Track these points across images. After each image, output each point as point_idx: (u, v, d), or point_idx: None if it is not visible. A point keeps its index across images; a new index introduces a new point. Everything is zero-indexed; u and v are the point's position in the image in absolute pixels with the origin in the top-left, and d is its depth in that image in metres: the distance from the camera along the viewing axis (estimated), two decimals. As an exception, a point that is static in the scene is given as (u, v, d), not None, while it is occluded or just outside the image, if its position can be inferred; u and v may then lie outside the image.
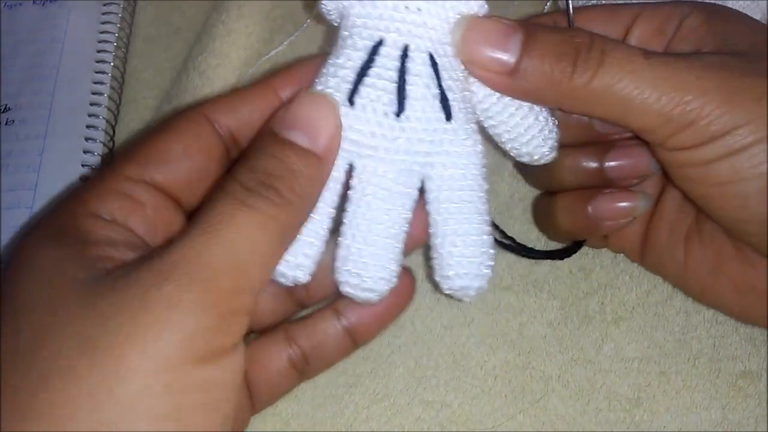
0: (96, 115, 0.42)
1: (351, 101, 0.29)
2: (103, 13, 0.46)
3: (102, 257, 0.26)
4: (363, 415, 0.35)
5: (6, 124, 0.42)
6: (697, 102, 0.29)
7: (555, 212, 0.36)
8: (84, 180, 0.40)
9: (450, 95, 0.30)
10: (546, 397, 0.35)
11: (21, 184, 0.40)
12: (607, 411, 0.34)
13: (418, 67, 0.29)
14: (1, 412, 0.23)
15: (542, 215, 0.38)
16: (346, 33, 0.30)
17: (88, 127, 0.42)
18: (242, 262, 0.25)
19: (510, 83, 0.30)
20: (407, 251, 0.31)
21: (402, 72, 0.29)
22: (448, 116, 0.30)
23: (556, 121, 0.33)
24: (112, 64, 0.44)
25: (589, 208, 0.34)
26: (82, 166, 0.40)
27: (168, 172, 0.30)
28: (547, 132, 0.32)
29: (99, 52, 0.44)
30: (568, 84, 0.29)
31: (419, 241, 0.32)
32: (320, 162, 0.28)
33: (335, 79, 0.30)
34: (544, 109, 0.32)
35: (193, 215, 0.27)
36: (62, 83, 0.43)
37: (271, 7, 0.46)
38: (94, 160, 0.41)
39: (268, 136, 0.28)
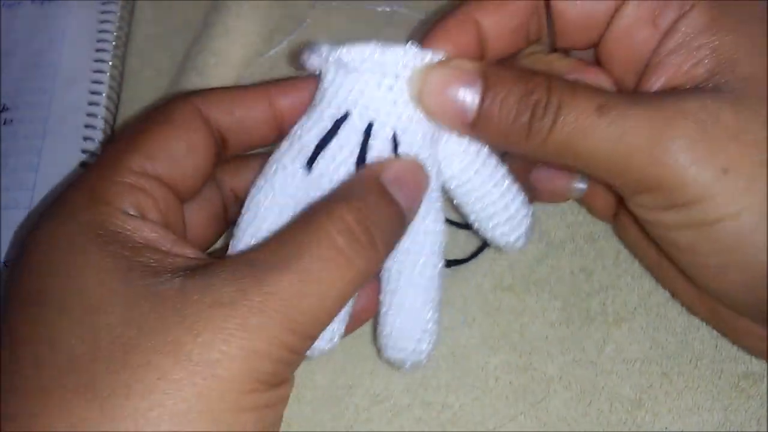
0: (94, 115, 0.42)
1: (309, 167, 0.30)
2: (102, 12, 0.45)
3: (154, 261, 0.26)
4: (363, 416, 0.35)
5: (5, 123, 0.42)
6: (655, 169, 0.27)
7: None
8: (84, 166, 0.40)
9: None
10: (547, 398, 0.35)
11: (19, 185, 0.40)
12: (609, 412, 0.34)
13: (380, 145, 0.29)
14: (90, 413, 0.24)
15: None
16: (318, 97, 0.30)
17: (86, 126, 0.42)
18: (325, 310, 0.26)
19: (471, 133, 0.30)
20: (356, 323, 0.32)
21: (363, 149, 0.29)
22: None
23: (529, 213, 0.32)
24: (110, 63, 0.44)
25: (531, 176, 0.35)
26: (81, 166, 0.40)
27: (173, 168, 0.30)
28: (515, 222, 0.32)
29: (98, 51, 0.44)
30: (525, 142, 0.28)
31: (370, 313, 0.33)
32: (405, 224, 0.29)
33: (298, 143, 0.30)
34: (519, 196, 0.31)
35: (283, 235, 0.27)
36: (61, 83, 0.43)
37: (271, 6, 0.46)
38: (92, 160, 0.40)
39: (374, 184, 0.28)
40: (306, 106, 0.31)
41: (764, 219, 0.27)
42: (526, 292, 0.37)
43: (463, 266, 0.38)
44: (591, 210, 0.37)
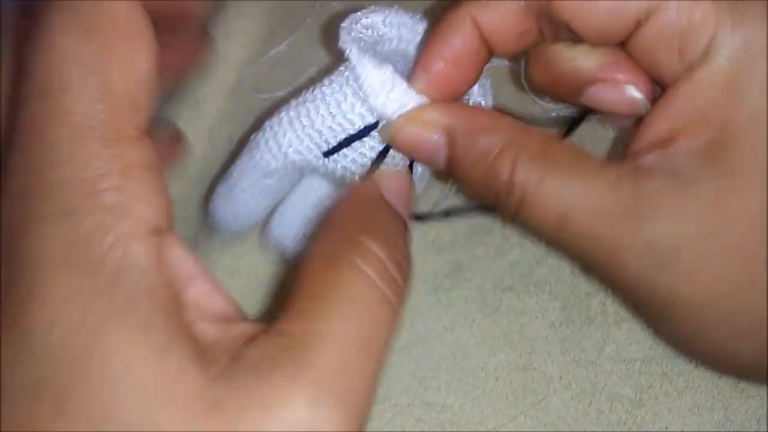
0: (95, 115, 0.42)
1: (326, 157, 0.30)
2: (103, 13, 0.45)
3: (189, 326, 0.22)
4: (364, 416, 0.35)
5: (5, 124, 0.42)
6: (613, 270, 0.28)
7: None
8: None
9: None
10: (548, 398, 0.35)
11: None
12: (609, 412, 0.34)
13: (396, 160, 0.30)
14: None
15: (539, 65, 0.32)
16: (345, 75, 0.29)
17: (87, 127, 0.41)
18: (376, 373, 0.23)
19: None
20: None
21: (383, 154, 0.30)
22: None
23: None
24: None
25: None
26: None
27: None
28: None
29: (98, 51, 0.44)
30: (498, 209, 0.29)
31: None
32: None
33: (323, 126, 0.29)
34: None
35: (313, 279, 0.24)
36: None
37: (271, 7, 0.46)
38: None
39: (383, 204, 0.27)
40: None
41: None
42: (526, 292, 0.37)
43: (463, 266, 0.38)
44: None
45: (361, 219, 0.27)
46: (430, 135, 0.28)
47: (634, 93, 0.29)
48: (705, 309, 0.27)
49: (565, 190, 0.27)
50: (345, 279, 0.23)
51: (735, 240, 0.26)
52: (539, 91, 0.32)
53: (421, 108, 0.29)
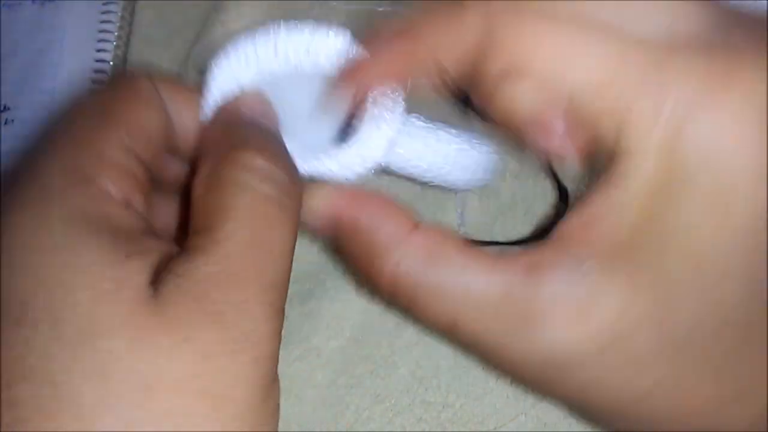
0: (95, 115, 0.42)
1: None
2: (103, 13, 0.45)
3: (148, 264, 0.23)
4: (364, 415, 0.35)
5: (6, 124, 0.42)
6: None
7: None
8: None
9: None
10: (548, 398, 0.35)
11: (20, 184, 0.40)
12: (610, 412, 0.34)
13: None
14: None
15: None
16: None
17: (87, 126, 0.42)
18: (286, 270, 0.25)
19: None
20: None
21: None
22: None
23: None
24: (111, 63, 0.44)
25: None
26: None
27: (149, 146, 0.27)
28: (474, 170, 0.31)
29: (98, 51, 0.44)
30: None
31: None
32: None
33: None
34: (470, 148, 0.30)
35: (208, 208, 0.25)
36: (62, 83, 0.43)
37: (271, 6, 0.46)
38: (93, 160, 0.40)
39: (259, 125, 0.28)
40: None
41: None
42: (527, 291, 0.37)
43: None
44: None
45: (228, 138, 0.26)
46: (316, 218, 0.28)
47: (566, 146, 0.28)
48: (604, 414, 0.27)
49: (454, 295, 0.26)
50: (228, 192, 0.24)
51: (634, 349, 0.25)
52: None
53: (316, 187, 0.28)
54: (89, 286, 0.22)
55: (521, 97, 0.28)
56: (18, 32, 0.45)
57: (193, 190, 0.25)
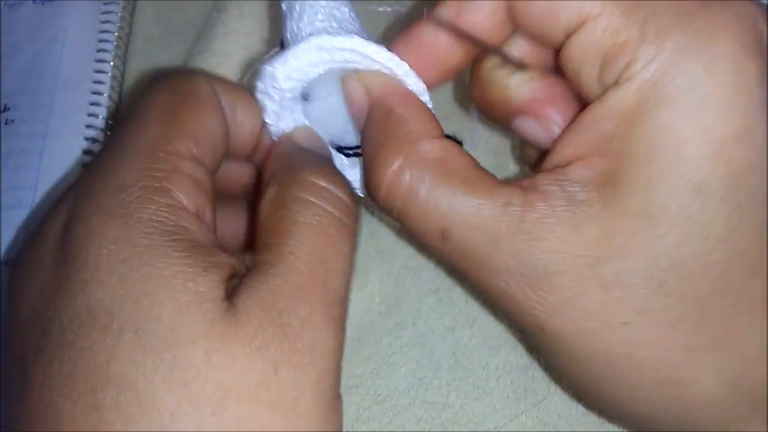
0: (96, 115, 0.42)
1: None
2: (103, 13, 0.46)
3: (222, 278, 0.24)
4: (365, 415, 0.35)
5: (6, 123, 0.42)
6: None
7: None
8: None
9: None
10: (548, 397, 0.35)
11: (21, 184, 0.40)
12: (610, 412, 0.34)
13: None
14: None
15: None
16: None
17: (87, 126, 0.42)
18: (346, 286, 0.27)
19: None
20: None
21: None
22: None
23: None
24: (112, 63, 0.44)
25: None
26: (82, 166, 0.40)
27: (214, 154, 0.27)
28: None
29: (99, 51, 0.44)
30: None
31: None
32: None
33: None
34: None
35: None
36: (62, 83, 0.43)
37: (272, 7, 0.46)
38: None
39: (315, 152, 0.30)
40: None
41: None
42: (527, 291, 0.37)
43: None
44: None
45: (290, 164, 0.28)
46: (359, 96, 0.29)
47: (557, 130, 0.29)
48: (574, 342, 0.26)
49: (450, 204, 0.27)
50: (293, 210, 0.26)
51: (615, 275, 0.25)
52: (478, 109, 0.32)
53: (372, 73, 0.29)
54: (172, 298, 0.23)
55: (516, 86, 0.29)
56: (18, 32, 0.45)
57: (260, 210, 0.27)
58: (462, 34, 0.29)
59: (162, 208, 0.24)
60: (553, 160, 0.27)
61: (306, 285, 0.24)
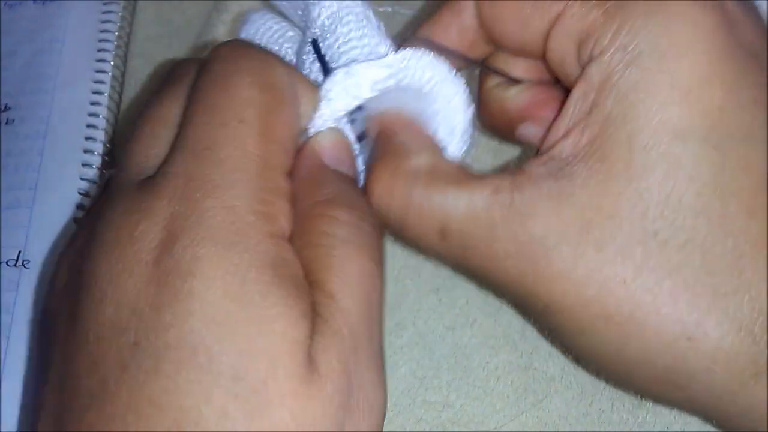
0: (96, 115, 0.42)
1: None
2: (104, 13, 0.46)
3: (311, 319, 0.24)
4: (365, 416, 0.35)
5: (6, 123, 0.42)
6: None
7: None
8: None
9: None
10: (549, 397, 0.35)
11: (21, 184, 0.40)
12: (610, 412, 0.34)
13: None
14: None
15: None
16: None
17: (88, 126, 0.42)
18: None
19: None
20: None
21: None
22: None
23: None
24: (112, 63, 0.44)
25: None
26: (83, 165, 0.40)
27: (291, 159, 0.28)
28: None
29: (99, 51, 0.44)
30: None
31: None
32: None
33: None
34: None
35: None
36: (62, 83, 0.43)
37: (272, 6, 0.46)
38: (94, 160, 0.40)
39: (340, 175, 0.29)
40: None
41: None
42: (527, 291, 0.37)
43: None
44: None
45: (317, 194, 0.27)
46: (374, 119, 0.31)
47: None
48: (577, 313, 0.26)
49: (444, 203, 0.28)
50: (331, 254, 0.25)
51: (608, 235, 0.26)
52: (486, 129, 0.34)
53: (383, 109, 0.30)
54: (271, 347, 0.22)
55: (513, 96, 0.32)
56: (19, 32, 0.45)
57: (296, 247, 0.26)
58: (442, 50, 0.30)
59: (268, 238, 0.24)
60: (543, 147, 0.28)
61: (361, 340, 0.25)
